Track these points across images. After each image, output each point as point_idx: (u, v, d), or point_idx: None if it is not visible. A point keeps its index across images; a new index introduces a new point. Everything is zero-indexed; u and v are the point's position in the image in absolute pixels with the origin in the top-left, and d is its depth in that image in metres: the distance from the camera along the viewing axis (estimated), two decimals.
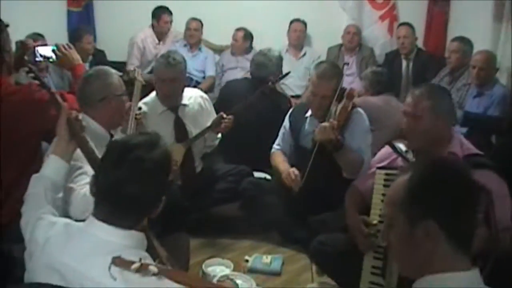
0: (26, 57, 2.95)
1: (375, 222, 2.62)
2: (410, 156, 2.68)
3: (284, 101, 4.28)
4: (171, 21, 6.20)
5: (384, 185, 2.62)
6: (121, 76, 2.82)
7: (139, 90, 3.36)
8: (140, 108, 3.45)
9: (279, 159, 3.64)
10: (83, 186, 2.39)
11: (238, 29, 6.23)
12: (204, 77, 6.27)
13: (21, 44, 3.07)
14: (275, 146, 3.73)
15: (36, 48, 3.17)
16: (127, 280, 1.54)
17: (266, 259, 3.28)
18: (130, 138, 1.78)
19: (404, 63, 5.85)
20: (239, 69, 6.16)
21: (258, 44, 6.26)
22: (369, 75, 4.65)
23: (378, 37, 6.42)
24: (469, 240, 1.50)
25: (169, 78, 3.52)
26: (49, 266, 1.67)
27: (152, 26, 6.15)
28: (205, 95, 3.94)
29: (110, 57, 6.09)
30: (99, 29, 6.46)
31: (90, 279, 1.58)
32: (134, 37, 6.06)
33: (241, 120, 3.66)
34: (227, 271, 3.08)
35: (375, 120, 3.84)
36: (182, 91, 3.67)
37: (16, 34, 3.20)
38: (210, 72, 6.28)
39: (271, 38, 6.30)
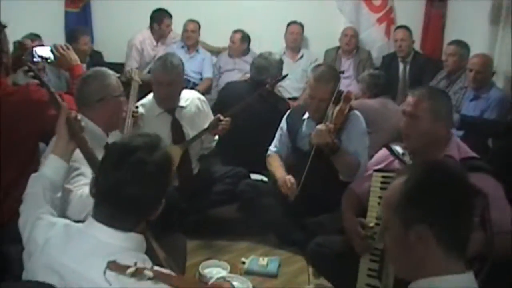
0: (24, 58, 2.95)
1: (371, 224, 2.62)
2: (407, 158, 2.69)
3: (282, 103, 4.28)
4: (171, 24, 6.21)
5: (381, 188, 2.63)
6: (118, 77, 2.82)
7: (136, 90, 3.37)
8: (137, 107, 3.45)
9: (276, 164, 3.64)
10: (80, 187, 2.39)
11: (235, 31, 6.23)
12: (201, 79, 6.28)
13: (19, 45, 3.07)
14: (271, 148, 3.73)
15: (34, 49, 3.17)
16: (124, 284, 1.54)
17: (263, 261, 3.28)
18: (130, 139, 1.76)
19: (401, 66, 5.86)
20: (236, 71, 6.16)
21: (256, 46, 6.28)
22: (366, 78, 4.67)
23: (375, 40, 6.45)
24: (464, 244, 1.51)
25: (166, 82, 3.51)
26: (48, 267, 1.68)
27: (151, 28, 6.15)
28: (202, 97, 3.94)
29: (108, 58, 6.09)
30: (97, 30, 6.45)
31: (89, 280, 1.58)
32: (132, 39, 6.06)
33: (238, 122, 3.66)
34: (223, 273, 3.08)
35: (372, 122, 3.85)
36: (180, 93, 3.66)
37: (14, 34, 3.20)
38: (208, 73, 6.28)
39: (268, 40, 6.32)
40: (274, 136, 3.73)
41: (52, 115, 2.52)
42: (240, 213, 3.83)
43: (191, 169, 3.75)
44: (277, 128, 3.72)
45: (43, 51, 3.17)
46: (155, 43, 6.19)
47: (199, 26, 6.26)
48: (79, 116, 2.33)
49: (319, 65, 3.70)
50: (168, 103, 3.62)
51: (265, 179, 3.95)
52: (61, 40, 5.42)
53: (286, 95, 5.73)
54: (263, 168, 3.83)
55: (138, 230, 1.73)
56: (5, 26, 2.81)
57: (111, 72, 2.79)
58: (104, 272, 1.56)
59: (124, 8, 6.27)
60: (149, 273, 1.55)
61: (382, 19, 6.44)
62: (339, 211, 2.96)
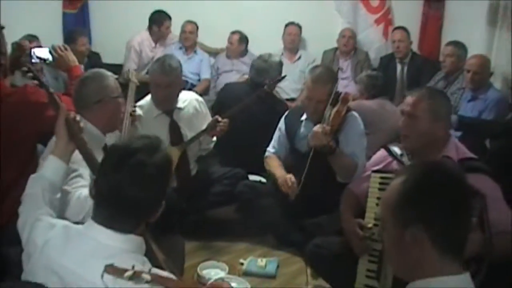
0: (22, 59, 2.95)
1: (370, 225, 2.62)
2: (405, 159, 2.69)
3: (280, 104, 4.28)
4: (170, 26, 6.23)
5: (379, 189, 2.63)
6: (116, 79, 2.82)
7: (133, 91, 3.36)
8: (135, 107, 3.45)
9: (275, 164, 3.64)
10: (77, 188, 2.39)
11: (233, 32, 6.24)
12: (199, 80, 6.28)
13: (17, 46, 3.07)
14: (269, 149, 3.73)
15: (33, 50, 3.18)
16: (122, 287, 1.54)
17: (261, 262, 3.28)
18: (131, 141, 1.77)
19: (399, 67, 5.87)
20: (234, 72, 6.17)
21: (253, 47, 6.28)
22: (364, 79, 4.67)
23: (373, 41, 6.45)
24: (460, 246, 1.51)
25: (164, 84, 3.51)
26: (47, 268, 1.68)
27: (150, 30, 6.15)
28: (200, 98, 3.93)
29: (105, 59, 6.10)
30: (95, 32, 6.45)
31: (89, 282, 1.58)
32: (130, 40, 6.05)
33: (236, 123, 3.66)
34: (222, 274, 3.08)
35: (370, 123, 3.85)
36: (178, 95, 3.66)
37: (11, 36, 3.20)
38: (206, 75, 6.29)
39: (266, 41, 6.32)
40: (272, 137, 3.73)
41: (51, 116, 2.52)
42: (239, 214, 3.83)
43: (189, 170, 3.74)
44: (275, 129, 3.72)
45: (42, 52, 3.17)
46: (153, 45, 6.20)
47: (197, 27, 6.27)
48: (78, 117, 2.32)
49: (316, 67, 3.70)
50: (166, 105, 3.61)
51: (263, 180, 3.96)
52: (59, 41, 5.38)
53: (284, 96, 5.74)
54: (261, 169, 3.83)
55: (138, 232, 1.73)
56: (3, 27, 2.81)
57: (109, 73, 2.79)
58: (102, 276, 1.56)
59: (122, 9, 6.28)
60: (146, 277, 1.55)
61: (380, 20, 6.44)
62: (337, 212, 2.96)
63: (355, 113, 3.44)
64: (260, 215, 3.59)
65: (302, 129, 3.52)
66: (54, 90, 2.76)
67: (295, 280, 3.24)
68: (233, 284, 2.88)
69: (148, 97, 3.66)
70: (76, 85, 2.75)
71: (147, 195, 1.69)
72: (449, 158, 2.52)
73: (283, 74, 4.23)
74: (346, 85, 5.93)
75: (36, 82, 2.45)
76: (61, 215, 2.16)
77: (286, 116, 3.69)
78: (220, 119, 3.53)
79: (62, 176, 2.16)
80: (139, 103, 3.57)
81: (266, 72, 4.17)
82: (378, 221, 2.58)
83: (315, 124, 3.33)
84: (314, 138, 3.20)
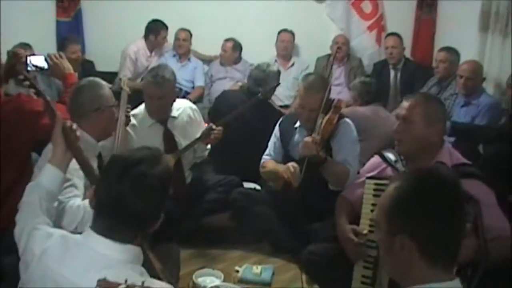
0: (17, 67, 2.95)
1: (365, 231, 2.63)
2: (399, 165, 2.70)
3: (274, 112, 4.28)
4: (167, 36, 6.24)
5: (374, 195, 2.64)
6: (110, 88, 2.83)
7: (125, 100, 3.36)
8: (128, 115, 3.45)
9: (272, 164, 3.60)
10: (70, 198, 2.39)
11: (227, 40, 6.25)
12: (193, 87, 6.29)
13: (13, 54, 3.08)
14: (265, 156, 3.72)
15: (28, 58, 3.18)
16: None
17: (257, 269, 3.27)
18: (133, 152, 1.77)
19: (392, 73, 5.89)
20: (228, 79, 6.19)
21: (247, 55, 6.30)
22: (357, 85, 4.67)
23: (366, 47, 6.47)
24: (450, 253, 1.51)
25: (157, 95, 3.49)
26: (45, 277, 1.68)
27: (146, 38, 6.14)
28: (194, 106, 3.93)
29: (99, 67, 6.09)
30: (88, 40, 6.44)
31: None
32: (126, 49, 6.04)
33: (231, 131, 3.66)
34: (217, 282, 3.07)
35: (363, 130, 3.86)
36: (171, 105, 3.64)
37: (5, 44, 3.20)
38: (199, 82, 6.30)
39: (259, 48, 6.34)
40: (267, 145, 3.72)
41: (45, 125, 2.52)
42: (233, 221, 3.82)
43: (184, 178, 3.74)
44: (269, 137, 3.71)
45: (37, 60, 3.18)
46: (149, 54, 6.19)
47: (191, 35, 6.29)
48: (75, 126, 2.32)
49: (309, 74, 3.71)
50: (160, 115, 3.61)
51: (258, 187, 3.95)
52: (52, 49, 5.40)
53: (278, 103, 5.74)
54: (256, 177, 3.83)
55: (136, 242, 1.73)
56: None
57: (104, 82, 2.80)
58: None
59: (115, 18, 6.27)
60: None
61: (372, 27, 6.47)
62: (332, 219, 2.97)
63: (348, 120, 3.44)
64: (255, 222, 3.58)
65: (296, 136, 3.51)
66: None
67: (290, 287, 3.24)
68: None
69: (142, 106, 3.65)
70: (71, 93, 2.76)
71: (148, 206, 1.68)
72: (443, 164, 2.53)
73: None
74: (339, 91, 5.95)
75: (33, 90, 2.46)
76: (55, 225, 2.16)
77: (281, 122, 3.69)
78: (214, 126, 3.53)
79: (59, 185, 2.16)
80: (133, 112, 3.56)
81: (265, 82, 4.17)
82: (373, 227, 2.59)
83: (309, 131, 3.33)
84: (304, 148, 3.19)
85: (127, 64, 5.99)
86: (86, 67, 5.74)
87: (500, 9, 4.97)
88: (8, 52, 3.06)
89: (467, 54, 5.04)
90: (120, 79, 3.43)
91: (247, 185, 3.94)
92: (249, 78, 4.36)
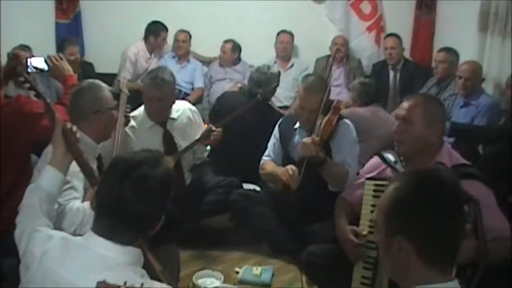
0: (17, 69, 2.95)
1: (365, 232, 2.63)
2: (399, 166, 2.70)
3: (274, 113, 4.28)
4: (166, 37, 6.24)
5: (374, 196, 2.64)
6: (110, 90, 2.84)
7: (124, 101, 3.36)
8: (128, 116, 3.45)
9: (272, 165, 3.61)
10: (69, 200, 2.39)
11: (226, 41, 6.25)
12: (192, 89, 6.30)
13: (13, 56, 3.08)
14: (264, 157, 3.72)
15: (29, 60, 3.19)
16: None
17: (256, 270, 3.27)
18: (133, 154, 1.77)
19: (391, 73, 5.89)
20: (227, 80, 6.19)
21: (246, 56, 6.30)
22: (357, 86, 4.67)
23: (365, 48, 6.48)
24: (449, 255, 1.50)
25: (157, 98, 3.49)
26: (45, 279, 1.67)
27: (146, 40, 6.13)
28: (193, 108, 3.93)
29: (99, 69, 6.09)
30: (88, 41, 6.45)
31: None
32: (126, 50, 6.03)
33: (231, 132, 3.66)
34: (217, 283, 3.08)
35: (363, 131, 3.85)
36: (171, 107, 3.64)
37: (4, 46, 3.21)
38: (199, 83, 6.30)
39: (258, 49, 6.35)
40: (266, 146, 3.72)
41: (45, 126, 2.53)
42: (233, 223, 3.82)
43: (184, 179, 3.74)
44: (269, 138, 3.71)
45: (38, 62, 3.19)
46: (148, 55, 6.19)
47: (190, 36, 6.29)
48: (75, 128, 2.33)
49: (308, 76, 3.70)
50: (159, 117, 3.61)
51: (257, 188, 3.95)
52: (51, 51, 5.41)
53: (277, 103, 5.75)
54: (255, 178, 3.83)
55: (137, 244, 1.73)
56: None
57: (104, 84, 2.80)
58: None
59: (115, 19, 6.27)
60: None
61: (371, 27, 6.47)
62: (331, 220, 2.97)
63: (347, 121, 3.43)
64: (255, 223, 3.58)
65: (296, 137, 3.51)
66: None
67: None
68: None
69: (141, 108, 3.65)
70: (71, 95, 2.76)
71: (149, 208, 1.69)
72: (442, 164, 2.53)
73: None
74: (339, 92, 5.95)
75: (33, 92, 2.46)
76: (55, 228, 2.16)
77: (280, 123, 3.69)
78: (214, 128, 3.53)
79: (59, 187, 2.16)
80: (132, 114, 3.56)
81: (266, 85, 4.18)
82: (372, 228, 2.59)
83: (308, 132, 3.33)
84: (303, 149, 3.19)
85: (126, 66, 5.98)
86: (86, 69, 5.74)
87: (499, 10, 4.97)
88: (8, 54, 3.07)
89: (466, 54, 5.04)
90: (119, 81, 3.42)
91: (246, 186, 3.94)
92: (250, 80, 4.35)
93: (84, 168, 2.32)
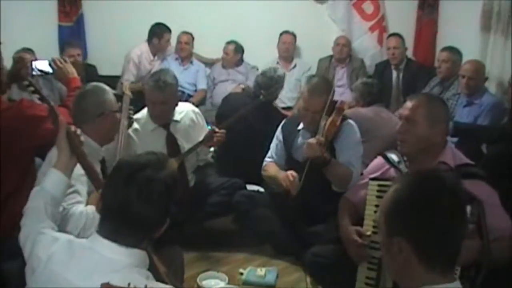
0: (22, 72, 2.96)
1: (369, 233, 2.63)
2: (402, 166, 2.70)
3: (277, 114, 4.28)
4: (170, 39, 6.25)
5: (377, 196, 2.64)
6: (114, 94, 2.85)
7: (127, 104, 3.37)
8: (131, 119, 3.46)
9: (274, 168, 3.62)
10: (73, 204, 2.39)
11: (228, 42, 6.26)
12: (195, 90, 6.30)
13: (19, 59, 3.09)
14: (267, 159, 3.73)
15: (33, 63, 3.20)
16: None
17: (261, 271, 3.27)
18: (138, 157, 1.79)
19: (394, 73, 5.88)
20: (230, 82, 6.20)
21: (249, 57, 6.31)
22: (359, 86, 4.67)
23: (368, 48, 6.48)
24: (449, 256, 1.50)
25: (160, 101, 3.49)
26: (51, 282, 1.68)
27: (150, 42, 6.14)
28: (196, 110, 3.94)
29: (102, 71, 6.10)
30: (90, 44, 6.46)
31: None
32: (129, 52, 6.04)
33: (234, 133, 3.66)
34: (222, 284, 3.08)
35: (366, 131, 3.85)
36: (174, 109, 3.64)
37: (7, 49, 3.21)
38: (202, 85, 6.31)
39: (261, 50, 6.35)
40: (269, 147, 3.73)
41: (48, 130, 2.53)
42: (237, 224, 3.82)
43: (188, 181, 3.74)
44: (272, 139, 3.72)
45: (42, 65, 3.20)
46: (152, 57, 6.19)
47: (193, 38, 6.29)
48: (79, 131, 2.33)
49: (312, 77, 3.70)
50: (162, 119, 3.61)
51: (261, 189, 3.95)
52: (54, 54, 5.42)
53: (280, 104, 5.73)
54: (259, 179, 3.83)
55: (142, 246, 1.74)
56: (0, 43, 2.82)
57: (107, 87, 2.81)
58: None
59: (117, 22, 6.28)
60: None
61: (374, 27, 6.47)
62: (335, 220, 2.97)
63: (351, 121, 3.44)
64: (258, 224, 3.58)
65: (299, 139, 3.52)
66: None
67: None
68: None
69: (144, 110, 3.65)
70: (75, 98, 2.77)
71: (153, 210, 1.69)
72: (445, 164, 2.53)
73: None
74: (342, 92, 5.95)
75: (37, 96, 2.47)
76: (59, 231, 2.16)
77: (283, 125, 3.69)
78: (217, 129, 3.54)
79: (63, 190, 2.16)
80: (135, 116, 3.57)
81: (272, 88, 4.20)
82: (376, 228, 2.58)
83: (312, 134, 3.34)
84: (308, 150, 3.19)
85: (130, 68, 5.99)
86: (89, 71, 5.75)
87: (502, 9, 4.96)
88: (13, 58, 3.07)
89: (469, 54, 5.04)
90: (122, 83, 3.43)
91: (250, 187, 3.94)
92: (255, 85, 4.34)
93: (89, 171, 2.33)
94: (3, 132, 2.67)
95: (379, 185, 2.66)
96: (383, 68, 6.03)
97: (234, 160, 4.05)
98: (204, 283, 3.09)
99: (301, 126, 3.53)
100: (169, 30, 6.14)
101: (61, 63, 3.20)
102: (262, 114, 4.00)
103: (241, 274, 3.26)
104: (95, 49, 6.44)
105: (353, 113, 4.10)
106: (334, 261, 2.89)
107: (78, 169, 2.32)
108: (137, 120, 3.58)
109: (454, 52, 5.06)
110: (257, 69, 6.32)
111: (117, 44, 6.16)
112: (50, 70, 3.21)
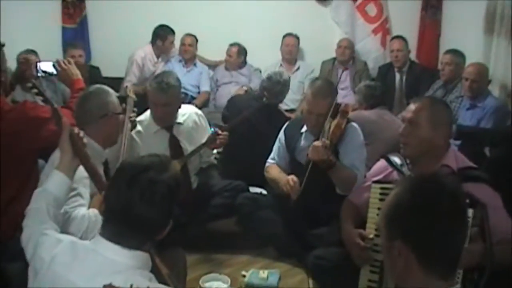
0: (27, 72, 2.97)
1: (371, 236, 2.63)
2: (405, 169, 2.70)
3: (281, 116, 4.29)
4: (174, 41, 6.25)
5: (380, 199, 2.64)
6: (117, 97, 2.85)
7: (131, 107, 3.38)
8: (135, 121, 3.46)
9: (275, 171, 3.63)
10: (75, 207, 2.39)
11: (232, 45, 6.27)
12: (199, 92, 6.31)
13: (24, 60, 3.10)
14: (269, 160, 3.73)
15: (38, 64, 3.22)
16: None
17: (263, 274, 3.27)
18: (141, 159, 1.79)
19: (397, 76, 5.88)
20: (233, 84, 6.20)
21: (252, 59, 6.31)
22: (362, 89, 4.66)
23: (371, 51, 6.47)
24: (449, 260, 1.50)
25: (162, 103, 3.49)
26: (54, 284, 1.68)
27: (154, 44, 6.14)
28: (199, 112, 3.93)
29: (105, 73, 6.10)
30: (94, 45, 6.47)
31: None
32: (133, 54, 6.04)
33: (238, 135, 3.66)
34: (224, 287, 3.08)
35: (369, 134, 3.85)
36: (176, 111, 3.64)
37: (11, 51, 3.22)
38: (205, 87, 6.31)
39: (264, 52, 6.36)
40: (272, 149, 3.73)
41: (51, 131, 2.54)
42: (239, 226, 3.82)
43: (190, 183, 3.75)
44: (275, 141, 3.72)
45: (46, 66, 3.22)
46: (155, 59, 6.20)
47: (197, 40, 6.30)
48: (82, 133, 2.34)
49: (316, 80, 3.70)
50: (165, 122, 3.61)
51: (264, 192, 3.95)
52: (58, 55, 5.43)
53: (283, 107, 5.73)
54: (262, 181, 3.83)
55: (145, 248, 1.74)
56: (3, 45, 2.83)
57: (111, 90, 2.81)
58: None
59: (121, 24, 6.30)
60: None
61: (377, 30, 6.46)
62: (338, 223, 2.96)
63: (354, 124, 3.43)
64: (261, 227, 3.58)
65: (302, 141, 3.51)
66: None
67: None
68: None
69: (147, 113, 3.66)
70: (78, 100, 2.77)
71: (156, 213, 1.70)
72: (448, 167, 2.53)
73: None
74: (345, 95, 5.94)
75: (40, 98, 2.47)
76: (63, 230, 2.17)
77: (286, 127, 3.69)
78: (220, 132, 3.54)
79: (66, 191, 2.17)
80: (138, 119, 3.57)
81: (280, 94, 4.21)
82: (379, 231, 2.58)
83: (315, 136, 3.33)
84: (314, 153, 3.18)
85: (133, 70, 5.99)
86: (92, 73, 5.74)
87: (505, 12, 4.95)
88: (18, 59, 3.08)
89: (472, 56, 5.03)
90: (126, 86, 3.43)
91: (253, 189, 3.95)
92: (262, 90, 4.34)
93: (92, 173, 2.34)
94: (6, 133, 2.67)
95: (382, 188, 2.66)
96: (386, 70, 6.02)
97: (237, 163, 4.05)
98: (207, 285, 3.09)
99: (304, 128, 3.52)
100: (173, 32, 6.15)
101: (65, 64, 3.21)
102: (266, 116, 4.00)
103: (244, 276, 3.26)
104: (99, 51, 6.45)
105: (356, 115, 4.09)
106: (337, 263, 2.89)
107: (81, 172, 2.32)
108: (140, 122, 3.59)
109: (457, 54, 5.06)
110: (260, 71, 6.34)
111: (121, 46, 6.16)
112: (54, 71, 3.22)
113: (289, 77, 4.44)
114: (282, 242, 3.57)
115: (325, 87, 3.42)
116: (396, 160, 2.77)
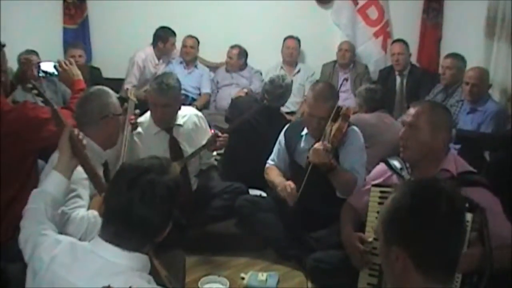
0: (28, 73, 2.97)
1: (370, 239, 2.63)
2: (405, 173, 2.70)
3: (281, 119, 4.29)
4: (175, 42, 6.26)
5: (379, 203, 2.64)
6: (118, 98, 2.86)
7: (132, 109, 3.38)
8: (136, 123, 3.47)
9: (274, 173, 3.63)
10: (74, 209, 2.39)
11: (232, 47, 6.27)
12: (199, 94, 6.31)
13: (26, 60, 3.10)
14: (269, 161, 3.73)
15: (39, 64, 3.22)
16: None
17: (262, 276, 3.28)
18: (142, 161, 1.79)
19: (398, 79, 5.88)
20: (234, 86, 6.21)
21: (253, 61, 6.32)
22: (363, 92, 4.66)
23: (372, 54, 6.47)
24: (447, 265, 1.50)
25: (162, 104, 3.49)
26: (54, 284, 1.69)
27: (155, 46, 6.14)
28: (200, 113, 3.93)
29: (106, 74, 6.11)
30: (95, 46, 6.48)
31: None
32: (134, 56, 6.04)
33: (238, 137, 3.66)
34: None
35: (369, 137, 3.84)
36: (176, 113, 3.64)
37: (12, 51, 3.22)
38: (206, 89, 6.31)
39: (265, 55, 6.36)
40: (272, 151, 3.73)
41: (51, 132, 2.54)
42: (239, 228, 3.82)
43: (190, 185, 3.75)
44: (275, 143, 3.72)
45: (47, 67, 3.22)
46: (156, 61, 6.20)
47: (198, 42, 6.30)
48: (82, 135, 2.34)
49: (317, 83, 3.71)
50: (165, 123, 3.61)
51: (263, 194, 3.95)
52: (59, 56, 5.43)
53: (284, 109, 5.72)
54: (262, 184, 3.83)
55: (144, 250, 1.74)
56: (4, 45, 2.83)
57: (111, 91, 2.82)
58: None
59: (122, 25, 6.31)
60: None
61: (378, 33, 6.47)
62: (337, 226, 2.97)
63: (355, 128, 3.43)
64: (260, 229, 3.58)
65: (302, 144, 3.51)
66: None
67: None
68: None
69: (147, 114, 3.66)
70: (79, 101, 2.77)
71: (156, 214, 1.70)
72: (448, 171, 2.53)
73: None
74: (345, 98, 5.94)
75: (40, 99, 2.47)
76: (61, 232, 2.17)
77: (286, 130, 3.69)
78: (220, 134, 3.54)
79: (64, 192, 2.18)
80: (138, 120, 3.57)
81: (281, 97, 4.22)
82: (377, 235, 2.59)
83: (316, 139, 3.33)
84: (315, 155, 3.17)
85: (133, 71, 5.99)
86: (93, 74, 5.75)
87: (506, 16, 4.96)
88: (19, 60, 3.08)
89: (473, 60, 5.03)
90: (127, 89, 3.43)
91: (253, 192, 3.95)
92: (265, 94, 4.34)
93: (91, 174, 2.34)
94: (6, 134, 2.67)
95: (381, 192, 2.66)
96: (387, 74, 6.02)
97: (237, 165, 4.05)
98: (206, 287, 3.10)
99: (304, 131, 3.52)
100: (174, 34, 6.15)
101: (66, 65, 3.22)
102: (266, 119, 4.00)
103: (243, 278, 3.26)
104: (100, 51, 6.46)
105: (356, 119, 4.09)
106: (336, 266, 2.90)
107: (81, 173, 2.33)
108: (140, 123, 3.59)
109: (458, 58, 5.05)
110: (261, 74, 6.35)
111: (122, 47, 6.17)
112: (55, 72, 3.22)
113: (292, 81, 4.44)
114: (281, 244, 3.57)
115: (326, 90, 3.41)
116: (396, 164, 2.78)
